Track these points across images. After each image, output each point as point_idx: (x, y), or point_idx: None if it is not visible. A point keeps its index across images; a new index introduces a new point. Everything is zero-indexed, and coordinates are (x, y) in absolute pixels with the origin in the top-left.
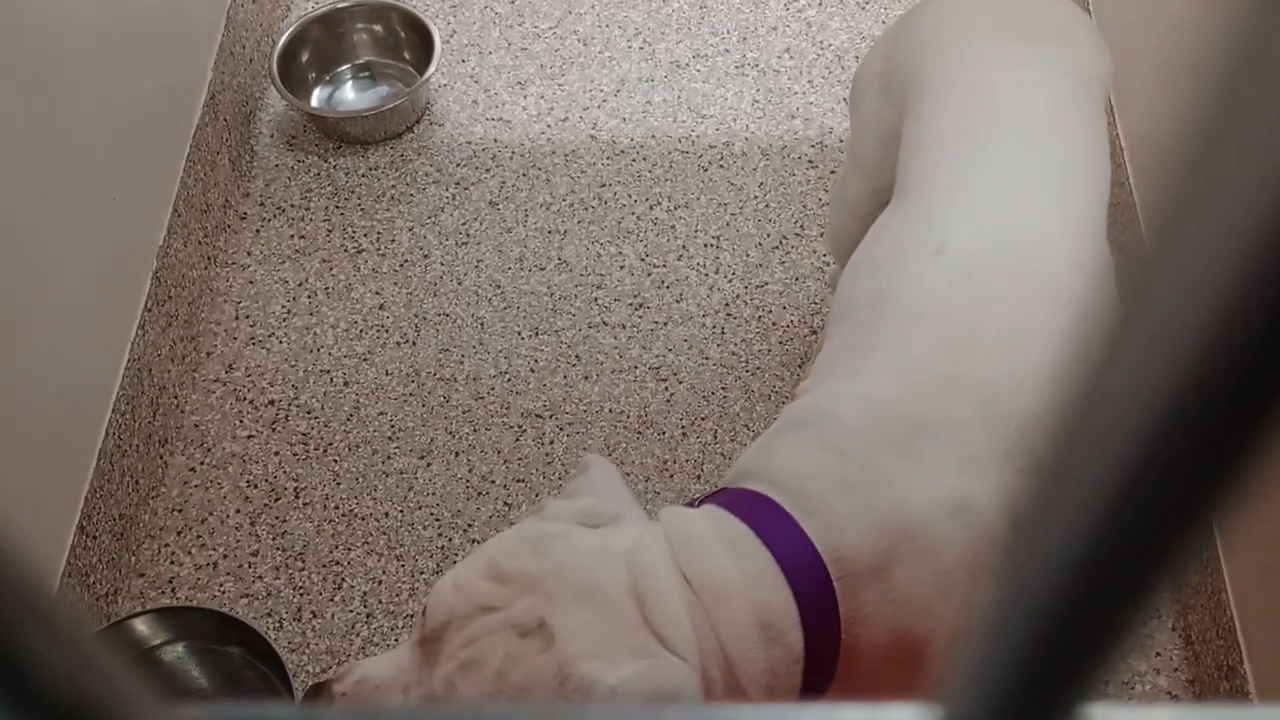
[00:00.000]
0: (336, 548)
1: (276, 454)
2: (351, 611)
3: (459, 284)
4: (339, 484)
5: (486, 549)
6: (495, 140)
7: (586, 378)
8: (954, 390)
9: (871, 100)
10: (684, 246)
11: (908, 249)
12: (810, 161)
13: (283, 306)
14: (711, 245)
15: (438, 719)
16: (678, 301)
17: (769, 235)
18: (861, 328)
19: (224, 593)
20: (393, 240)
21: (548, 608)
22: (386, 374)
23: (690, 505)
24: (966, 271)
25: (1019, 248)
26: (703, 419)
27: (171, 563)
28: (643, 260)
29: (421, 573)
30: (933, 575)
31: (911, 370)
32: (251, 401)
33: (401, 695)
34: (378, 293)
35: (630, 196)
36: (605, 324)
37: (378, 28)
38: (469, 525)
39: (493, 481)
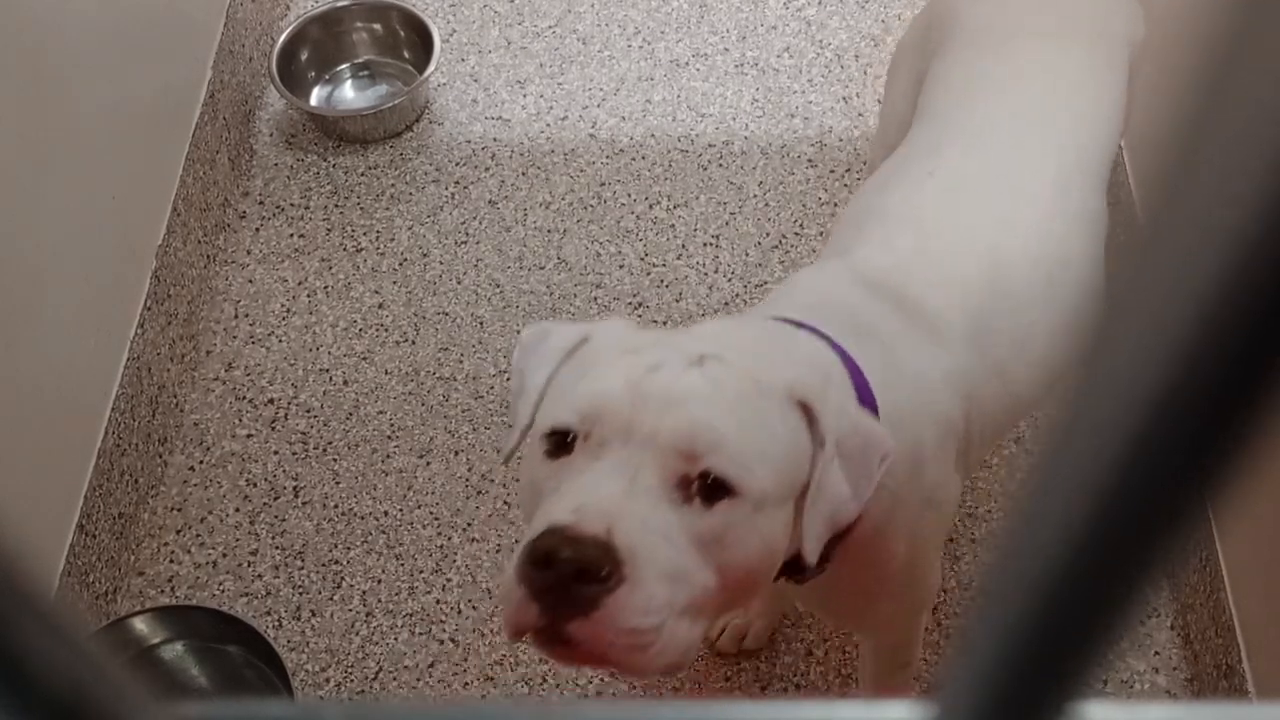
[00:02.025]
0: (336, 546)
1: (276, 453)
2: (351, 610)
3: (458, 283)
4: (338, 483)
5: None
6: (495, 139)
7: None
8: (931, 283)
9: (903, 74)
10: (683, 245)
11: (906, 171)
12: (810, 161)
13: (282, 305)
14: (711, 244)
15: (438, 718)
16: (677, 301)
17: (768, 234)
18: (854, 229)
19: (223, 591)
20: (392, 239)
21: (696, 347)
22: (386, 373)
23: None
24: (954, 189)
25: (1008, 181)
26: None
27: (171, 561)
28: (642, 259)
29: (420, 571)
30: (907, 446)
31: (892, 263)
32: (251, 400)
33: (629, 484)
34: (377, 291)
35: (630, 195)
36: None
37: (377, 26)
38: (468, 524)
39: (492, 480)
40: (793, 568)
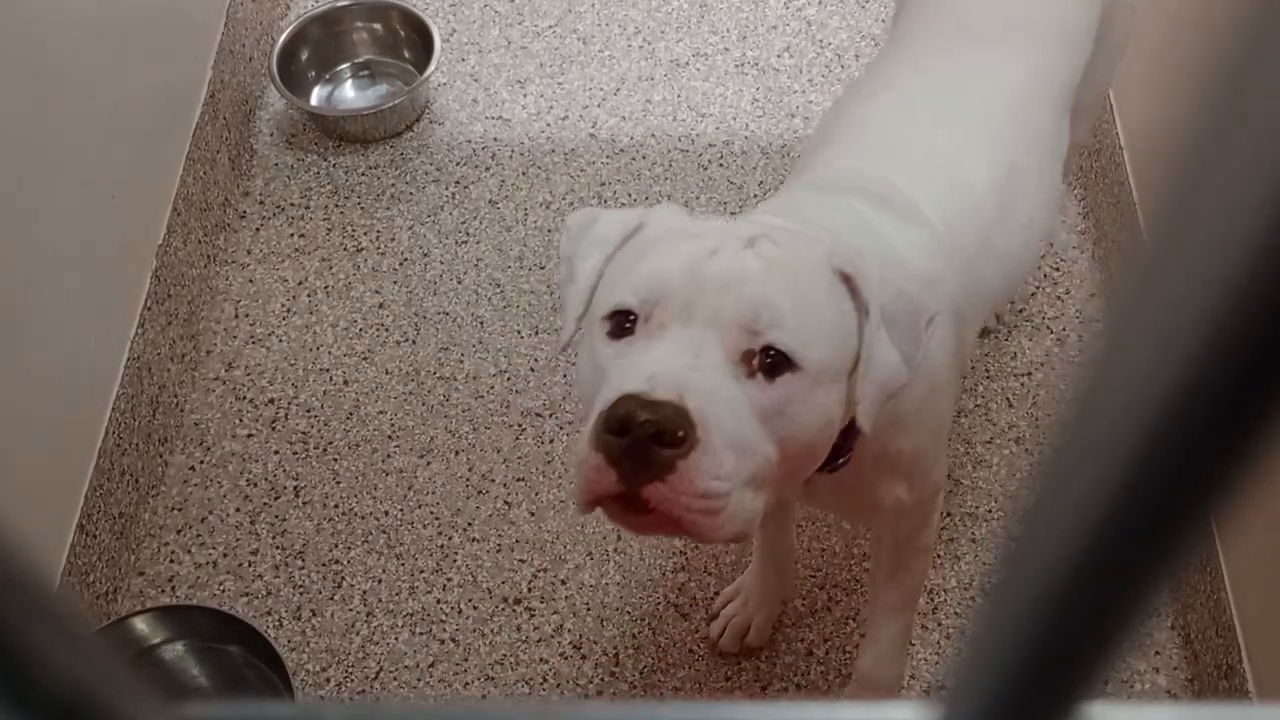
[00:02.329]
0: (336, 546)
1: (276, 453)
2: (351, 610)
3: (459, 282)
4: (339, 483)
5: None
6: (495, 139)
7: None
8: (900, 178)
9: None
10: None
11: (864, 86)
12: None
13: (282, 305)
14: None
15: (438, 718)
16: None
17: None
18: (819, 147)
19: (224, 591)
20: (392, 239)
21: (752, 231)
22: (386, 373)
23: None
24: (908, 103)
25: (960, 89)
26: None
27: (171, 561)
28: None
29: (421, 571)
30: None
31: (860, 165)
32: (251, 400)
33: (694, 359)
34: (377, 291)
35: (630, 195)
36: None
37: (377, 26)
38: (469, 524)
39: (492, 480)
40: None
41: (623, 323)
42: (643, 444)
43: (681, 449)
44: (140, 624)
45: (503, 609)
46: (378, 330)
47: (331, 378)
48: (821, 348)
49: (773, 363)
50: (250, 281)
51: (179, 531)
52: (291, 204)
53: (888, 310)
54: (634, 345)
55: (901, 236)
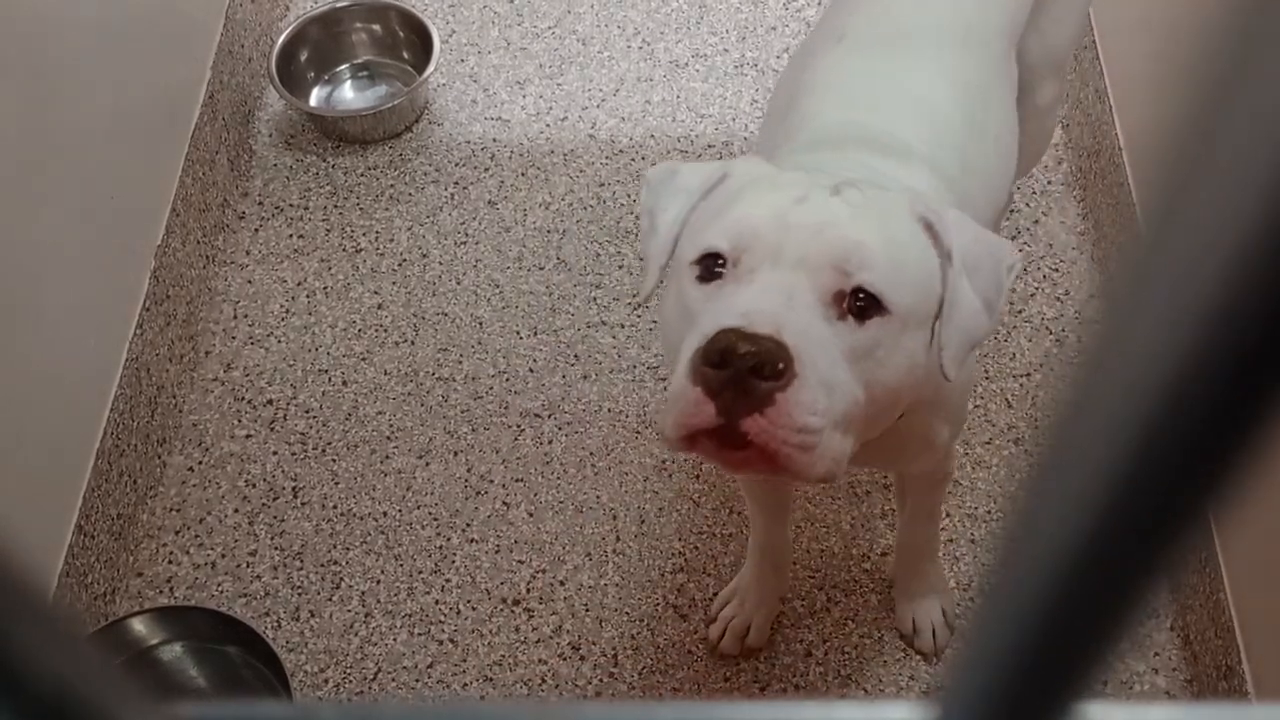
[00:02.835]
0: (335, 547)
1: (275, 453)
2: (350, 611)
3: (457, 283)
4: (337, 483)
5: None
6: (494, 140)
7: (585, 377)
8: (882, 120)
9: None
10: None
11: (816, 41)
12: None
13: (281, 306)
14: None
15: (438, 718)
16: None
17: None
18: (790, 103)
19: (222, 592)
20: (391, 240)
21: (825, 179)
22: (385, 373)
23: None
24: (864, 48)
25: (906, 26)
26: None
27: (169, 562)
28: (642, 260)
29: (420, 572)
30: None
31: (839, 125)
32: (250, 401)
33: (786, 299)
34: (376, 292)
35: (629, 196)
36: (604, 323)
37: (376, 27)
38: (467, 525)
39: (491, 481)
40: None
41: (712, 266)
42: (742, 376)
43: (781, 381)
44: (138, 625)
45: (501, 610)
46: (376, 331)
47: (330, 378)
48: (910, 292)
49: (863, 305)
50: (249, 282)
51: (177, 532)
52: (290, 205)
53: (970, 257)
54: (724, 288)
55: (915, 183)
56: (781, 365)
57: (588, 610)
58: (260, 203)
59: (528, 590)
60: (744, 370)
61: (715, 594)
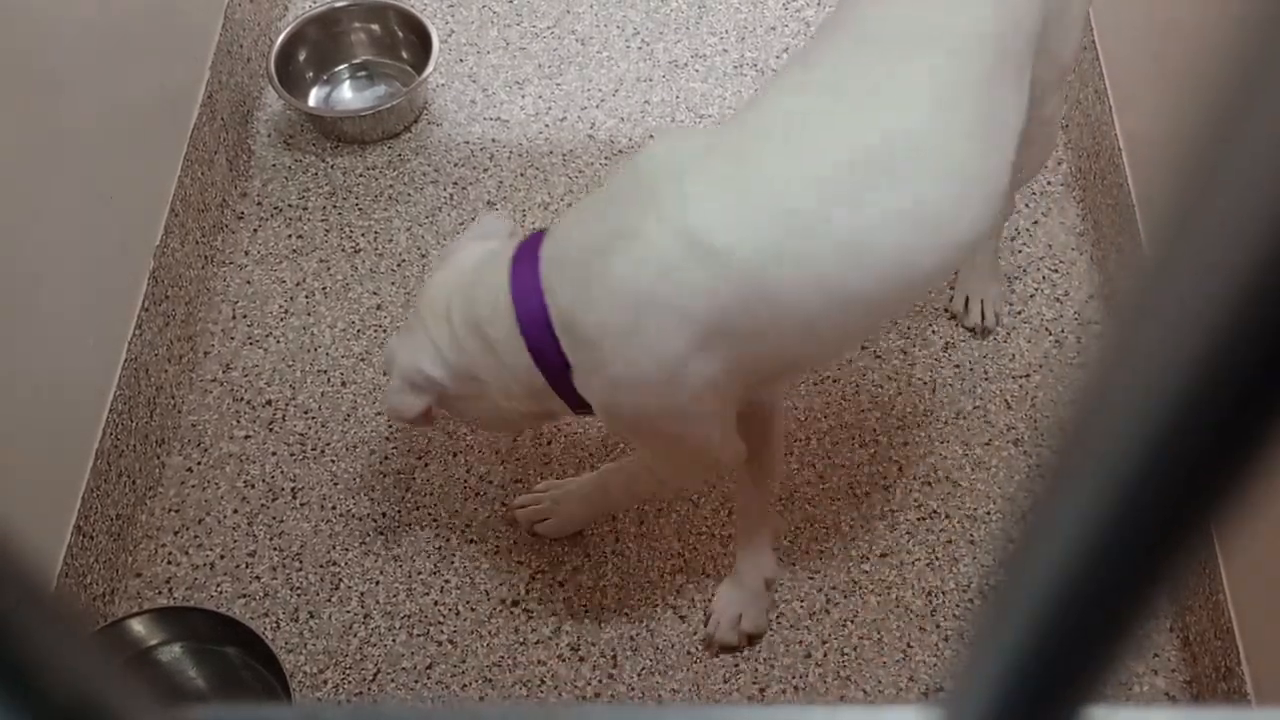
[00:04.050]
0: (334, 548)
1: (274, 454)
2: (349, 612)
3: None
4: (336, 484)
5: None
6: (493, 140)
7: None
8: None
9: None
10: None
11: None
12: None
13: (280, 306)
14: None
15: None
16: None
17: None
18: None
19: (221, 593)
20: (390, 240)
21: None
22: (384, 374)
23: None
24: (860, 39)
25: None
26: None
27: (169, 563)
28: None
29: (419, 573)
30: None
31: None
32: (249, 401)
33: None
34: (375, 292)
35: None
36: None
37: (375, 27)
38: (466, 525)
39: (490, 482)
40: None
41: None
42: None
43: None
44: (137, 625)
45: (500, 611)
46: (375, 331)
47: (329, 379)
48: None
49: None
50: (248, 283)
51: (176, 533)
52: (289, 205)
53: None
54: None
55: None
56: None
57: (587, 611)
58: (259, 203)
59: (527, 591)
60: None
61: (715, 595)
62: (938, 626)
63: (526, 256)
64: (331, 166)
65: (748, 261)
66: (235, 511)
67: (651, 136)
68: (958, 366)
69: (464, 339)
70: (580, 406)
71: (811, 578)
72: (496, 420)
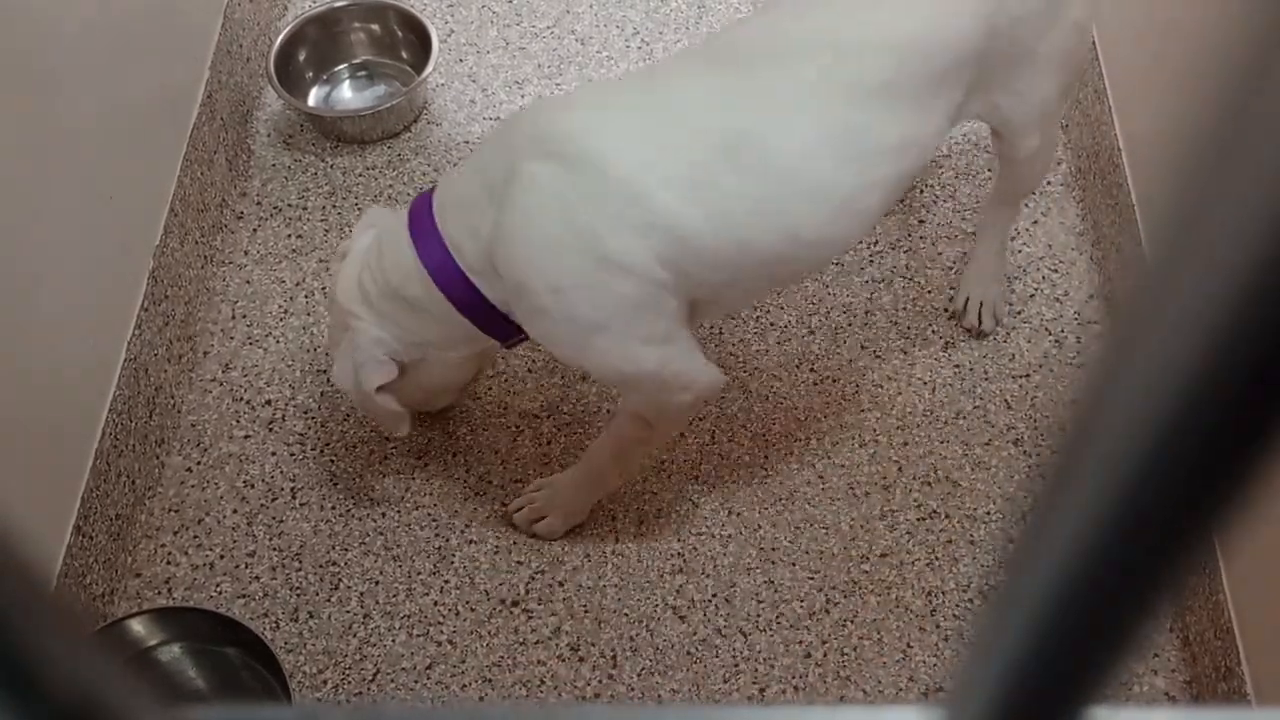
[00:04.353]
0: (333, 548)
1: (273, 454)
2: (348, 612)
3: None
4: (336, 484)
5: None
6: None
7: (583, 378)
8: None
9: None
10: None
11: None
12: None
13: (280, 306)
14: None
15: (437, 718)
16: None
17: None
18: None
19: (221, 593)
20: None
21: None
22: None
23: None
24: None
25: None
26: (700, 419)
27: (168, 563)
28: None
29: (418, 573)
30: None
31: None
32: (248, 401)
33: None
34: None
35: None
36: None
37: (375, 27)
38: (466, 525)
39: (490, 482)
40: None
41: None
42: None
43: None
44: (137, 625)
45: (500, 611)
46: None
47: (329, 379)
48: None
49: None
50: (247, 283)
51: (176, 533)
52: (289, 205)
53: None
54: None
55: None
56: None
57: (586, 611)
58: (259, 203)
59: (526, 591)
60: None
61: (714, 595)
62: (938, 626)
63: (421, 216)
64: (331, 166)
65: (630, 180)
66: (235, 511)
67: None
68: (957, 366)
69: (387, 310)
70: (509, 337)
71: (811, 577)
72: (450, 376)
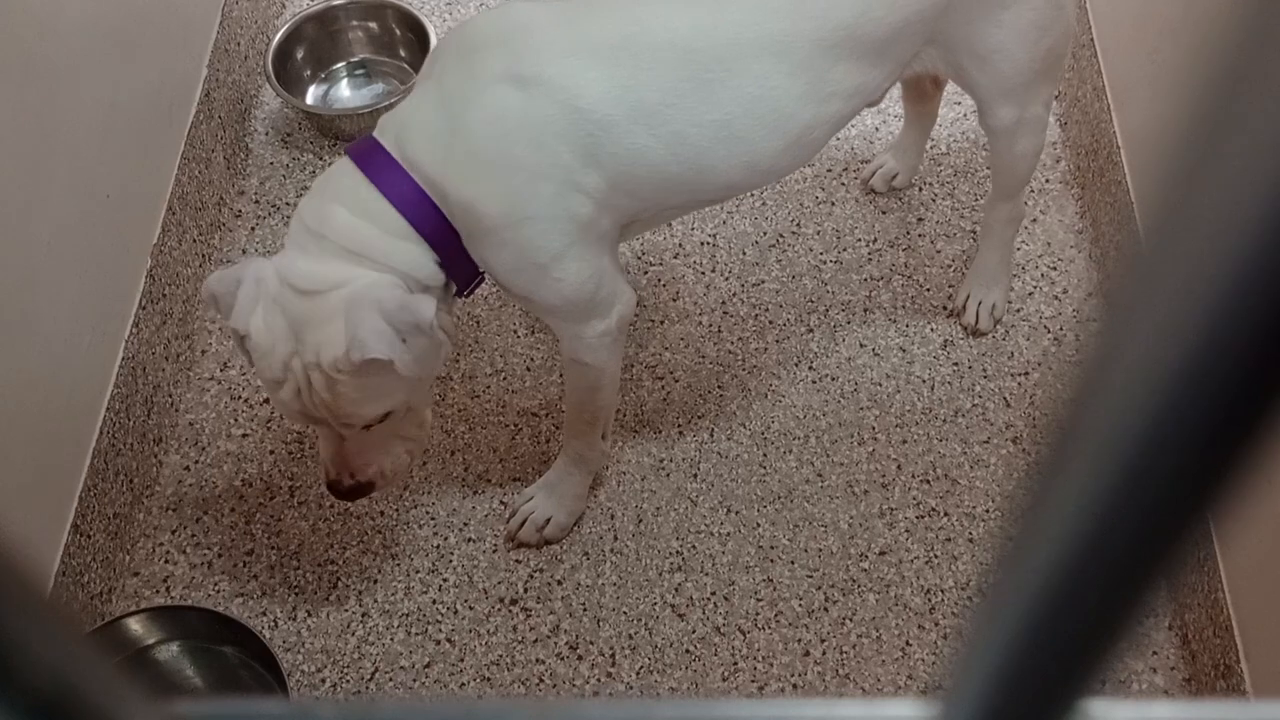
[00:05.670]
0: (332, 547)
1: (271, 452)
2: (347, 611)
3: None
4: None
5: None
6: None
7: None
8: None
9: None
10: (680, 245)
11: None
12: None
13: None
14: (708, 243)
15: (436, 718)
16: (674, 300)
17: (765, 234)
18: None
19: (219, 592)
20: None
21: None
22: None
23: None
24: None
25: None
26: (699, 417)
27: (166, 562)
28: (639, 259)
29: (417, 571)
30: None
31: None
32: (246, 400)
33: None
34: None
35: None
36: None
37: (373, 25)
38: (465, 524)
39: (489, 480)
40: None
41: None
42: None
43: None
44: (135, 624)
45: (499, 609)
46: None
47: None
48: None
49: None
50: None
51: (174, 532)
52: (287, 203)
53: None
54: None
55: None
56: None
57: (585, 609)
58: (257, 201)
59: (525, 589)
60: None
61: (713, 593)
62: (936, 624)
63: (372, 153)
64: (329, 165)
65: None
66: (233, 510)
67: None
68: (956, 364)
69: (371, 254)
70: (470, 280)
71: (810, 575)
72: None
